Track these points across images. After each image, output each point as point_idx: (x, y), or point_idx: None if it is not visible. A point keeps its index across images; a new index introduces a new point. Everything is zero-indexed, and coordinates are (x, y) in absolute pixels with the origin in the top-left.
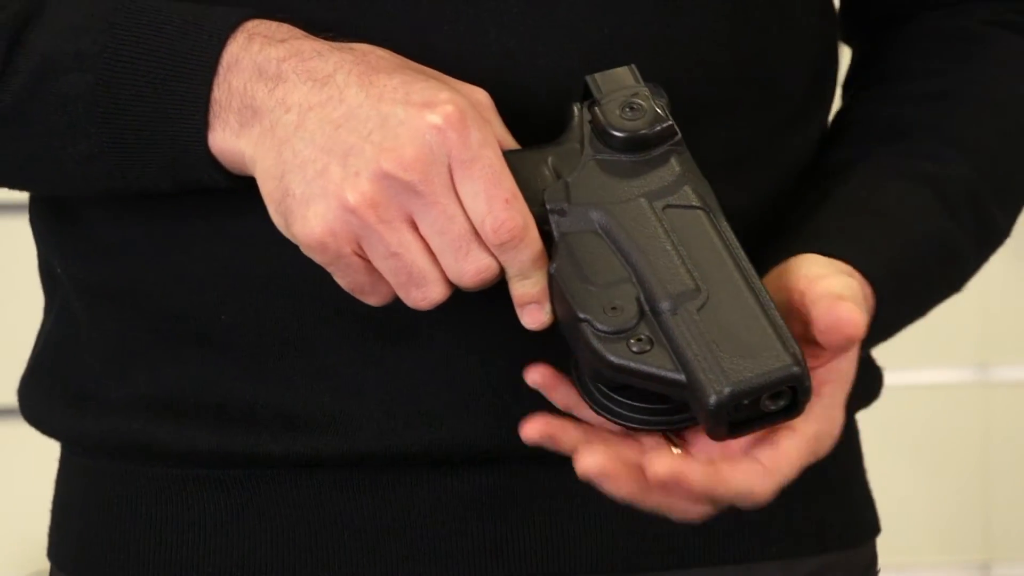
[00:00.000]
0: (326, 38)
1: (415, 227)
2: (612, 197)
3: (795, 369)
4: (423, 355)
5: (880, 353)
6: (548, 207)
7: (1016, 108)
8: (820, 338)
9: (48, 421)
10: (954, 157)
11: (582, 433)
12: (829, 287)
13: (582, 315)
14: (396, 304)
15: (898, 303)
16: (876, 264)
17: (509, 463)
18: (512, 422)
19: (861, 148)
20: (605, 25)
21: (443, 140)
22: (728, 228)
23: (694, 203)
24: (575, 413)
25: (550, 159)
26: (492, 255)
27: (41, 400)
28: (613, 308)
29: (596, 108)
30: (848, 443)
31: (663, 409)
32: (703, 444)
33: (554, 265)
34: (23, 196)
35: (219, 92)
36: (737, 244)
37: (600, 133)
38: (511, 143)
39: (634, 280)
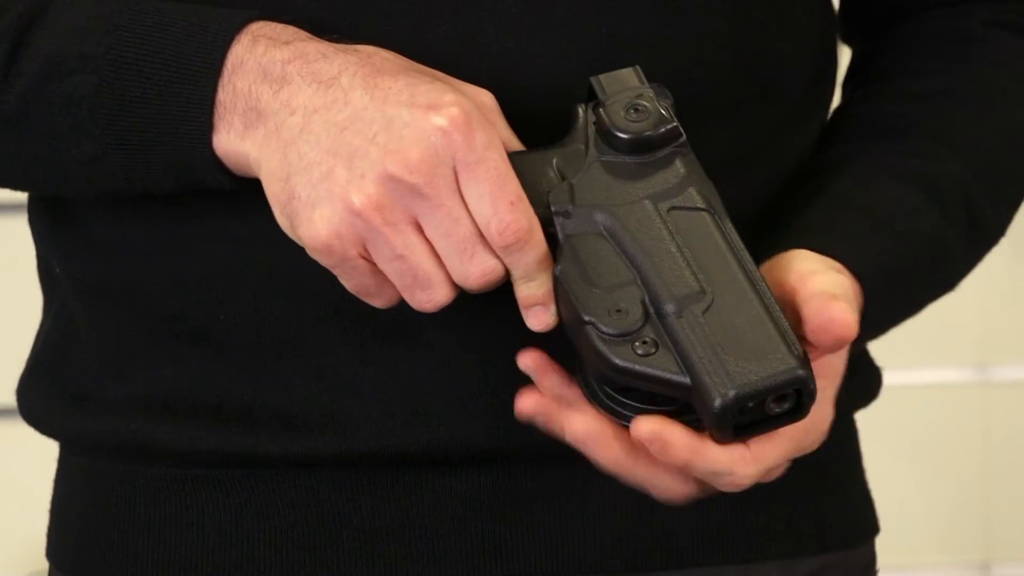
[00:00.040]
0: (331, 40)
1: (420, 230)
2: (617, 199)
3: (800, 372)
4: (422, 355)
5: (879, 353)
6: (552, 209)
7: (1012, 108)
8: (811, 337)
9: (47, 421)
10: (947, 156)
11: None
12: (821, 285)
13: (587, 317)
14: (396, 304)
15: (887, 300)
16: (863, 260)
17: (508, 463)
18: (510, 422)
19: (854, 145)
20: (603, 25)
21: (448, 142)
22: (733, 230)
23: (699, 205)
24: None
25: (555, 161)
26: (497, 257)
27: (40, 400)
28: (618, 311)
29: (601, 109)
30: (847, 443)
31: (668, 411)
32: None
33: (559, 267)
34: (22, 196)
35: (223, 94)
36: (742, 246)
37: (605, 134)
38: (516, 145)
39: (639, 282)
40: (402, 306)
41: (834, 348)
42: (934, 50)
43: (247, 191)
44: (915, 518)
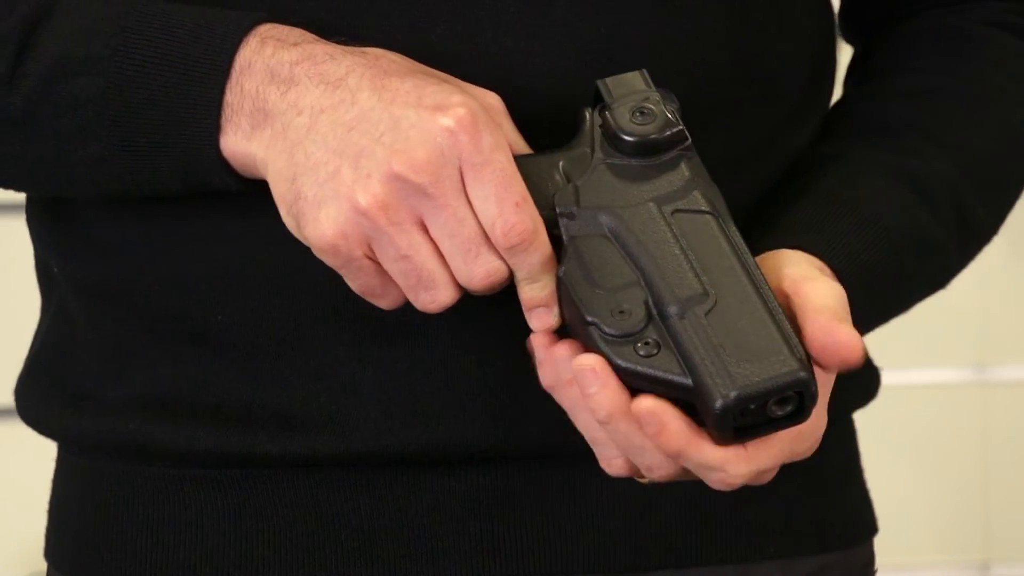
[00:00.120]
0: (338, 42)
1: (425, 230)
2: (621, 201)
3: (802, 374)
4: (420, 355)
5: (878, 353)
6: (557, 211)
7: (1008, 108)
8: (816, 355)
9: (45, 421)
10: (939, 154)
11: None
12: (823, 299)
13: (590, 318)
14: (401, 306)
15: (870, 297)
16: (846, 257)
17: (506, 463)
18: (509, 422)
19: (846, 143)
20: (602, 25)
21: (454, 143)
22: (736, 233)
23: (703, 208)
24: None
25: (561, 163)
26: (501, 258)
27: (38, 400)
28: (621, 312)
29: (607, 112)
30: (846, 443)
31: None
32: None
33: (563, 268)
34: (20, 196)
35: (231, 96)
36: (746, 249)
37: (610, 137)
38: (523, 147)
39: (642, 284)
40: (401, 306)
41: (838, 370)
42: (931, 49)
43: (244, 192)
44: (914, 518)
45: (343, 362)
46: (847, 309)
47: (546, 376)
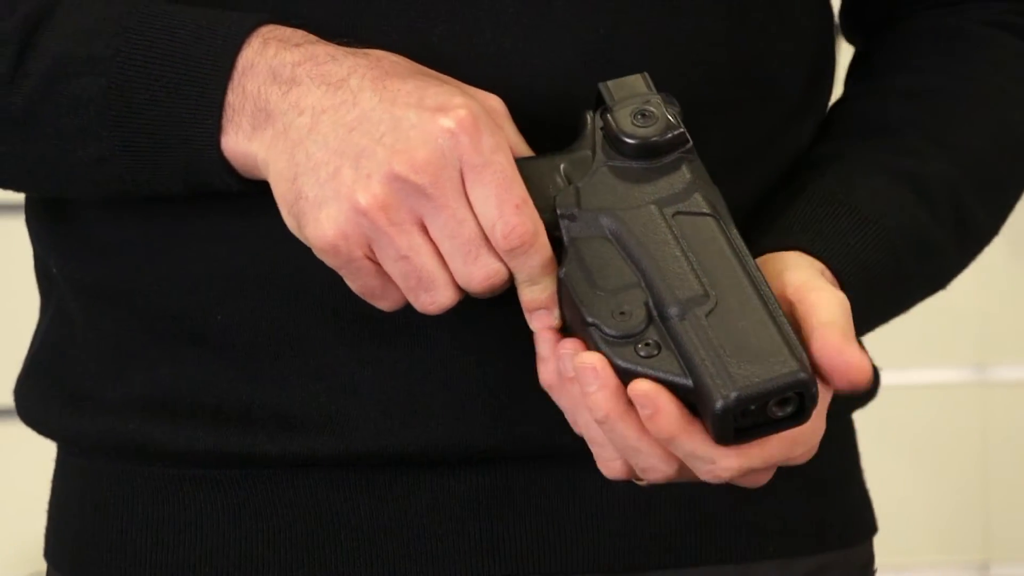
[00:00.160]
0: (340, 43)
1: (426, 231)
2: (622, 203)
3: (802, 375)
4: (420, 355)
5: (878, 353)
6: (558, 212)
7: (1008, 109)
8: (824, 374)
9: (44, 421)
10: (938, 154)
11: None
12: (829, 313)
13: (590, 319)
14: (401, 308)
15: (869, 297)
16: (841, 254)
17: (506, 463)
18: (508, 422)
19: (845, 142)
20: (601, 25)
21: (455, 144)
22: (738, 236)
23: (704, 210)
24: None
25: (562, 166)
26: (501, 261)
27: (37, 401)
28: (621, 313)
29: (608, 115)
30: (845, 443)
31: None
32: None
33: (563, 270)
34: (19, 196)
35: (232, 96)
36: (747, 251)
37: (612, 140)
38: (524, 150)
39: (643, 285)
40: (401, 308)
41: (845, 390)
42: (931, 49)
43: (245, 193)
44: (914, 518)
45: (343, 362)
46: (851, 321)
47: (547, 374)
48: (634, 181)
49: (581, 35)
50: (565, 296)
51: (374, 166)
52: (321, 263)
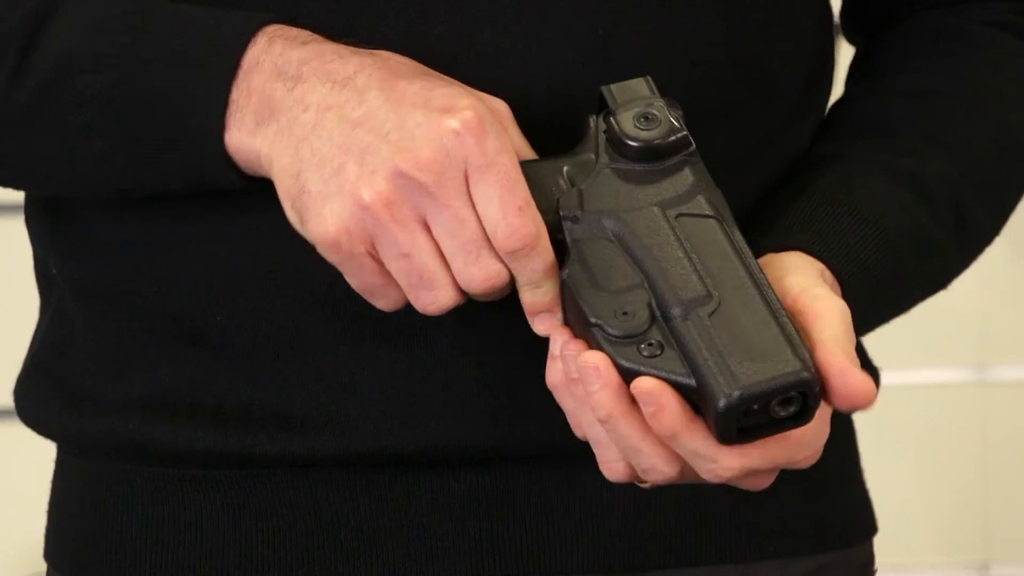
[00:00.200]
0: (346, 43)
1: (429, 231)
2: (625, 205)
3: (805, 374)
4: (420, 355)
5: (878, 353)
6: (561, 214)
7: (1008, 109)
8: (827, 395)
9: (44, 422)
10: (938, 155)
11: None
12: (833, 328)
13: (593, 320)
14: (401, 308)
15: (868, 295)
16: (841, 255)
17: (506, 463)
18: (508, 423)
19: (845, 142)
20: (600, 26)
21: (460, 144)
22: (741, 238)
23: (707, 212)
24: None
25: (565, 168)
26: (503, 263)
27: (37, 401)
28: (624, 313)
29: (611, 118)
30: (845, 443)
31: None
32: None
33: (566, 271)
34: (19, 196)
35: (237, 93)
36: (749, 253)
37: (615, 142)
38: (528, 153)
39: (646, 286)
40: (401, 308)
41: (847, 412)
42: (931, 49)
43: (248, 191)
44: (914, 518)
45: (342, 362)
46: (852, 333)
47: (554, 373)
48: (637, 183)
49: (580, 35)
50: (568, 297)
51: (379, 163)
52: (321, 263)
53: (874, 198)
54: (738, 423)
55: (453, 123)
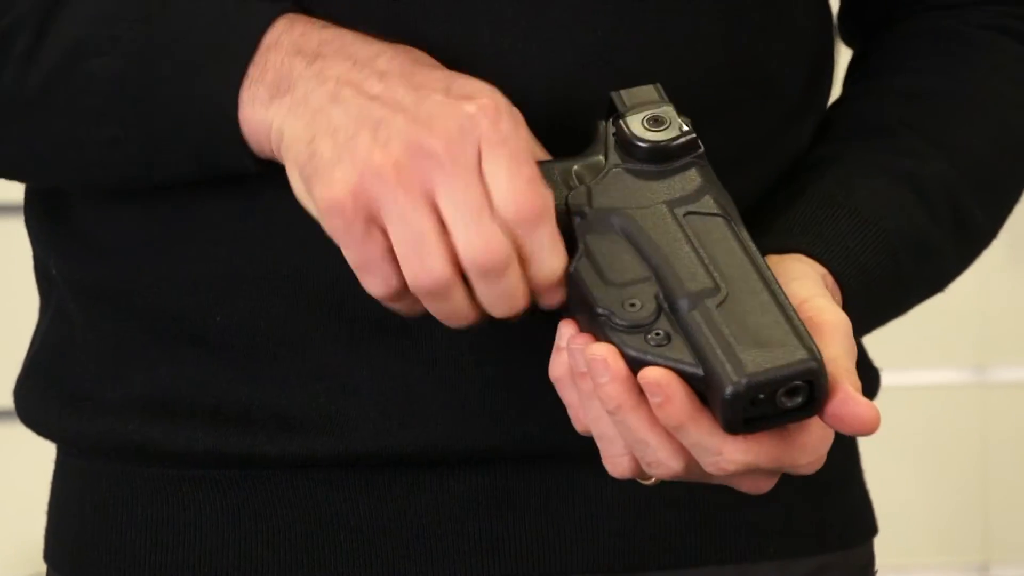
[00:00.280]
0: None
1: (434, 205)
2: (634, 202)
3: (812, 363)
4: (419, 355)
5: (878, 354)
6: (570, 210)
7: (1006, 111)
8: (829, 420)
9: (44, 422)
10: (936, 156)
11: None
12: (836, 345)
13: (600, 310)
14: (390, 296)
15: (867, 297)
16: (841, 256)
17: (505, 463)
18: (508, 423)
19: (843, 143)
20: (599, 27)
21: (475, 125)
22: (748, 236)
23: (715, 211)
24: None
25: (575, 169)
26: (507, 236)
27: (37, 401)
28: (632, 304)
29: (620, 121)
30: (845, 443)
31: None
32: None
33: (574, 264)
34: (19, 196)
35: (253, 69)
36: (756, 250)
37: (624, 144)
38: (540, 153)
39: (654, 279)
40: (389, 298)
41: (849, 435)
42: (929, 51)
43: (247, 191)
44: (914, 519)
45: (342, 363)
46: (854, 349)
47: (558, 366)
48: (646, 182)
49: (579, 36)
50: (575, 290)
51: (393, 133)
52: (320, 264)
53: (874, 200)
54: (745, 413)
55: (471, 108)
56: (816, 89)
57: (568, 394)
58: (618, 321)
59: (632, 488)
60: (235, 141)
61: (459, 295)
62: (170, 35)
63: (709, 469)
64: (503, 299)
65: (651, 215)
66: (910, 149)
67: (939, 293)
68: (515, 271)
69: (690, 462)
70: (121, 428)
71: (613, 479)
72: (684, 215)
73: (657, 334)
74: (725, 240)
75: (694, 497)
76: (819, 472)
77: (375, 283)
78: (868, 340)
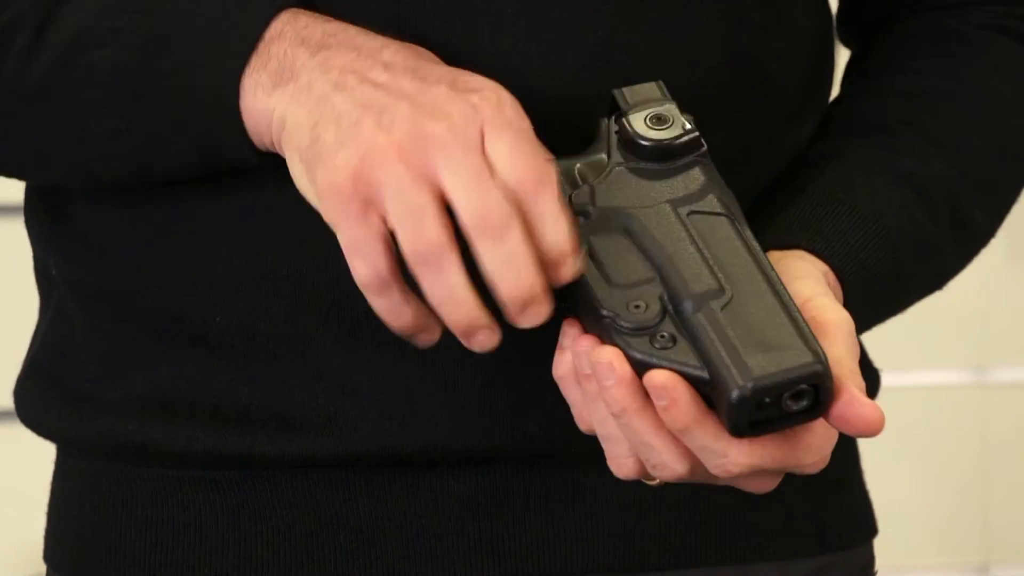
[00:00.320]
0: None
1: (436, 184)
2: (637, 202)
3: (818, 367)
4: (418, 355)
5: (878, 354)
6: (574, 209)
7: (1005, 112)
8: (833, 421)
9: (44, 423)
10: (936, 155)
11: None
12: (840, 345)
13: (605, 312)
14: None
15: (867, 294)
16: (841, 253)
17: (504, 463)
18: (507, 423)
19: (842, 141)
20: (599, 27)
21: (478, 114)
22: (752, 236)
23: (719, 210)
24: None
25: (577, 168)
26: (512, 204)
27: (37, 402)
28: (636, 305)
29: (623, 119)
30: (846, 444)
31: None
32: None
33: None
34: (19, 197)
35: (256, 59)
36: (761, 250)
37: (627, 143)
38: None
39: (658, 280)
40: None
41: (854, 436)
42: (930, 50)
43: (247, 191)
44: (914, 519)
45: (341, 363)
46: (856, 348)
47: (562, 365)
48: (649, 182)
49: (579, 36)
50: (579, 291)
51: (397, 119)
52: (320, 264)
53: (874, 197)
54: (750, 416)
55: (475, 99)
56: (816, 89)
57: (572, 393)
58: (623, 323)
59: (632, 488)
60: (235, 131)
61: (455, 267)
62: (171, 27)
63: (714, 471)
64: (508, 266)
65: (655, 215)
66: (910, 148)
67: (937, 291)
68: (517, 234)
69: (695, 464)
70: (121, 428)
71: (613, 479)
72: (688, 214)
73: (662, 336)
74: (729, 240)
75: (694, 497)
76: (819, 472)
77: (363, 267)
78: (868, 340)
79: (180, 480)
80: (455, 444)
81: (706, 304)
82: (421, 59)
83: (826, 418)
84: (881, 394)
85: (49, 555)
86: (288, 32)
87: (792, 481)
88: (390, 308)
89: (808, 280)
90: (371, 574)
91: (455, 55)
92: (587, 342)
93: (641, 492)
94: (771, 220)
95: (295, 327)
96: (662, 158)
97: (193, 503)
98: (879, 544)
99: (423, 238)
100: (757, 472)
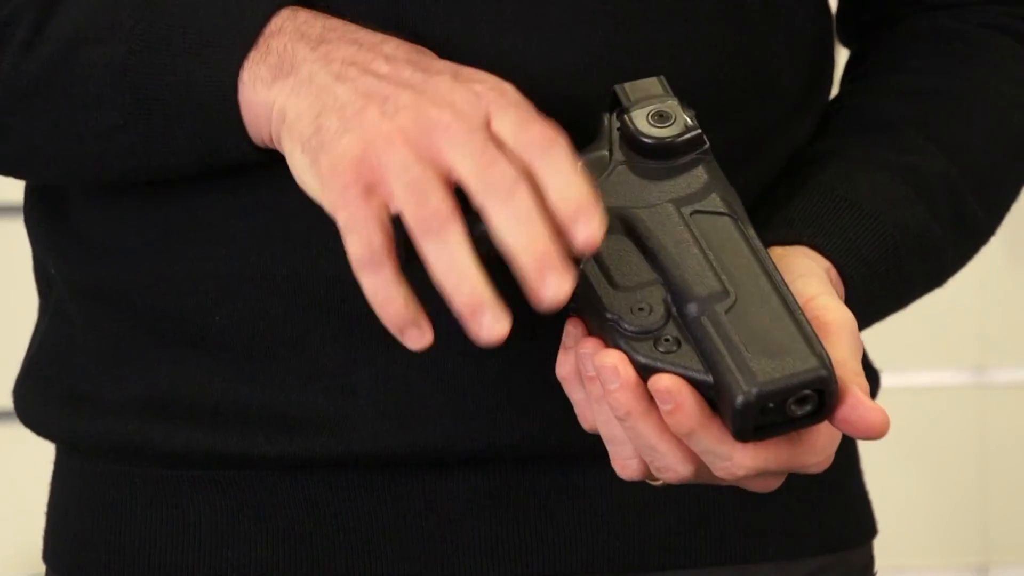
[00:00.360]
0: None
1: (440, 164)
2: (640, 201)
3: (823, 372)
4: (417, 356)
5: (878, 355)
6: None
7: (1005, 110)
8: (837, 424)
9: (43, 423)
10: (936, 152)
11: None
12: (843, 347)
13: (609, 315)
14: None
15: (868, 291)
16: (843, 249)
17: (504, 464)
18: (507, 423)
19: (842, 139)
20: (600, 27)
21: (482, 100)
22: (755, 236)
23: (722, 210)
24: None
25: (579, 166)
26: (520, 169)
27: (36, 402)
28: (640, 309)
29: (625, 116)
30: (845, 445)
31: None
32: None
33: (580, 267)
34: (19, 196)
35: (255, 53)
36: (764, 250)
37: (629, 140)
38: None
39: (662, 283)
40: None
41: (859, 438)
42: (929, 49)
43: (246, 191)
44: (913, 520)
45: (340, 363)
46: (860, 348)
47: (566, 365)
48: (651, 180)
49: (580, 37)
50: (583, 292)
51: (401, 106)
52: (320, 263)
53: (875, 194)
54: (755, 421)
55: (478, 87)
56: (816, 88)
57: (575, 393)
58: (627, 327)
59: (632, 488)
60: (234, 125)
61: (459, 237)
62: (170, 23)
63: (719, 474)
64: (520, 225)
65: (658, 214)
66: (910, 146)
67: (937, 288)
68: (525, 189)
69: (699, 467)
70: (120, 428)
71: (613, 479)
72: (691, 214)
73: (666, 340)
74: (732, 240)
75: (694, 498)
76: (820, 473)
77: (357, 243)
78: (868, 341)
79: (179, 480)
80: (455, 444)
81: (710, 307)
82: (421, 53)
83: (831, 421)
84: (881, 394)
85: (48, 555)
86: (288, 27)
87: (792, 481)
88: (381, 287)
89: (810, 278)
90: (371, 574)
91: (455, 55)
92: (591, 344)
93: (641, 492)
94: (772, 217)
95: (294, 327)
96: (664, 156)
97: (192, 503)
98: (879, 544)
99: (427, 206)
100: (761, 473)
